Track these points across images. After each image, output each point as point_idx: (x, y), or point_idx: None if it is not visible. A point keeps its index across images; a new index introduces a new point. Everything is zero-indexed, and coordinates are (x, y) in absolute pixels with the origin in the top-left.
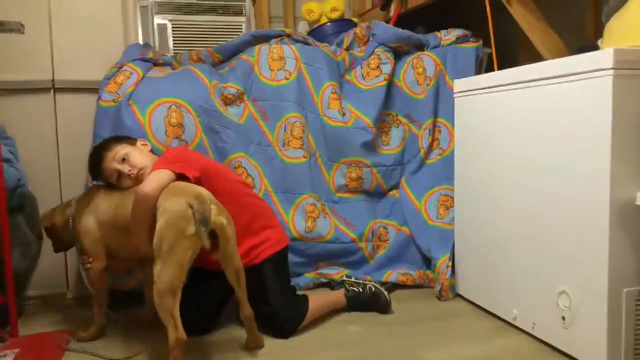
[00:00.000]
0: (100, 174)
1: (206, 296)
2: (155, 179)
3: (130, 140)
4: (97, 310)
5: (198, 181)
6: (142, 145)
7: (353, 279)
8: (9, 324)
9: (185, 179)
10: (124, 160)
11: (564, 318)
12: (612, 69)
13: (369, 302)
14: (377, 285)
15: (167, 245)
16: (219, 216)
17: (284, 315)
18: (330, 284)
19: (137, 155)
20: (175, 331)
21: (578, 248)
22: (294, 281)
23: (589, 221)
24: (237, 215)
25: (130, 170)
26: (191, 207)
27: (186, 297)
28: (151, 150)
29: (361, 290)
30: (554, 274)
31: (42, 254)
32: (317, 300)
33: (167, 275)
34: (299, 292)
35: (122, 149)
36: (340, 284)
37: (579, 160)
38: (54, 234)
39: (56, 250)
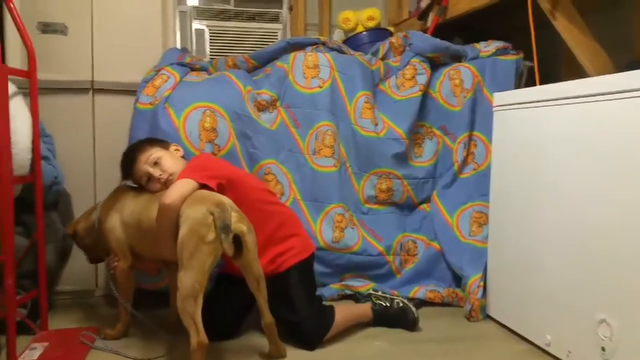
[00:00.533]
0: (131, 174)
1: (230, 302)
2: (178, 190)
3: (164, 144)
4: (122, 310)
5: (221, 190)
6: (175, 150)
7: (380, 293)
8: (40, 318)
9: (209, 188)
10: (155, 164)
11: (603, 349)
12: None
13: (396, 317)
14: (405, 301)
15: (188, 251)
16: (239, 223)
17: (309, 325)
18: (355, 297)
19: (169, 160)
20: (197, 335)
21: (621, 275)
22: (318, 291)
23: (634, 247)
24: (262, 223)
25: (160, 175)
26: (212, 214)
27: (210, 302)
28: (182, 156)
29: (389, 305)
30: (593, 300)
31: (74, 251)
32: (343, 312)
33: (189, 281)
34: (325, 304)
35: (155, 152)
36: (367, 297)
37: (625, 184)
38: (77, 240)
39: (91, 261)
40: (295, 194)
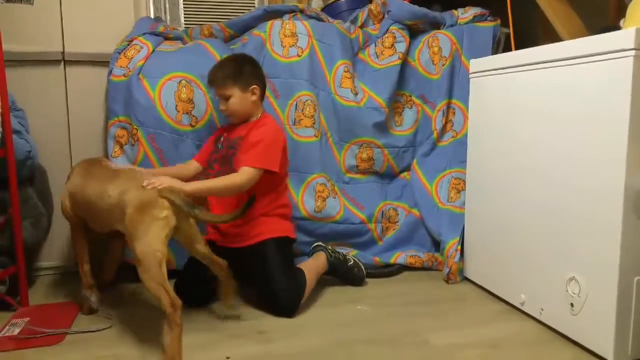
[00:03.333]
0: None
1: (199, 271)
2: (252, 178)
3: (246, 83)
4: (81, 271)
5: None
6: (252, 94)
7: (331, 248)
8: (19, 294)
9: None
10: (226, 100)
11: (572, 305)
12: (633, 49)
13: (348, 271)
14: (356, 260)
15: (143, 227)
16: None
17: (285, 294)
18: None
19: (237, 103)
20: (169, 297)
21: (590, 234)
22: (302, 260)
23: (602, 207)
24: (270, 192)
25: (223, 110)
26: (162, 195)
27: (181, 273)
28: (258, 99)
29: (342, 259)
30: (564, 260)
31: (55, 226)
32: (310, 271)
33: (150, 250)
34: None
35: (230, 91)
36: (319, 248)
37: (595, 145)
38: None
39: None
40: None
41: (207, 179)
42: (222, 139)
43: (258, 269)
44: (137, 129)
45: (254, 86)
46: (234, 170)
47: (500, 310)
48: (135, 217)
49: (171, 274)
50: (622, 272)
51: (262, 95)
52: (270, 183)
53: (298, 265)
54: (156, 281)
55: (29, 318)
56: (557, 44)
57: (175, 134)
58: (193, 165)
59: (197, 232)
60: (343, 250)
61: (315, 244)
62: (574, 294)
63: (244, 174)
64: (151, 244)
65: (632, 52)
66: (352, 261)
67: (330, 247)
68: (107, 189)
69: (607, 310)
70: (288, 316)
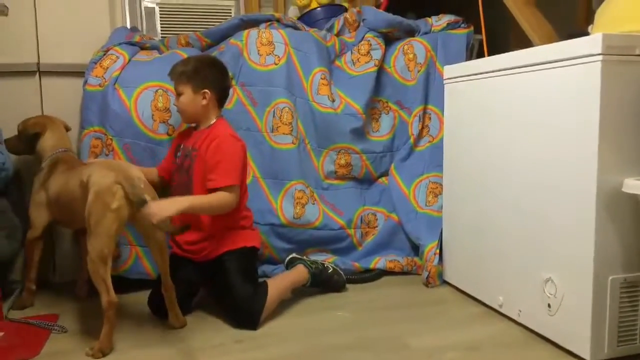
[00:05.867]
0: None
1: (176, 284)
2: (235, 196)
3: (201, 85)
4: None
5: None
6: (203, 99)
7: (307, 258)
8: None
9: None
10: (179, 95)
11: (549, 305)
12: (600, 54)
13: (329, 278)
14: (334, 266)
15: (95, 218)
16: (145, 193)
17: (244, 307)
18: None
19: (188, 103)
20: (107, 294)
21: (564, 235)
22: (281, 268)
23: (575, 208)
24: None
25: (176, 104)
26: (120, 185)
27: (155, 282)
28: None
29: (322, 267)
30: (540, 261)
31: None
32: (278, 284)
33: (98, 246)
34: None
35: (183, 89)
36: (293, 261)
37: (567, 147)
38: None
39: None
40: (254, 172)
41: (174, 190)
42: (180, 147)
43: (219, 282)
44: (111, 139)
45: (206, 90)
46: (191, 181)
47: (479, 312)
48: (92, 205)
49: (146, 283)
50: (596, 272)
51: (219, 103)
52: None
53: (272, 278)
54: (99, 276)
55: (3, 332)
56: (528, 49)
57: (152, 143)
58: (154, 173)
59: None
60: (322, 256)
61: (291, 256)
62: (550, 294)
63: (226, 195)
64: (100, 239)
65: (600, 57)
66: (331, 268)
67: (306, 258)
68: (82, 174)
69: (582, 309)
70: (251, 328)
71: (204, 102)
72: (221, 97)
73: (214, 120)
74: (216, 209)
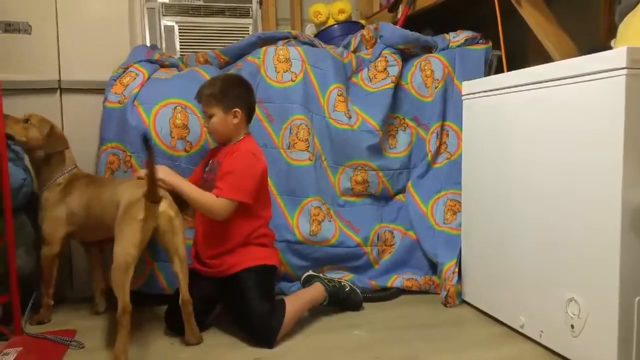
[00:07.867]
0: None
1: (194, 299)
2: (224, 209)
3: (230, 104)
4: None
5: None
6: (234, 117)
7: (324, 276)
8: (13, 322)
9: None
10: (210, 117)
11: (572, 326)
12: (625, 68)
13: (347, 297)
14: (350, 284)
15: (121, 227)
16: (169, 209)
17: (260, 325)
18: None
19: (219, 124)
20: (123, 301)
21: (588, 253)
22: (297, 285)
23: (599, 226)
24: (248, 222)
25: (206, 127)
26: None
27: (172, 297)
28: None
29: (339, 286)
30: (562, 281)
31: None
32: (296, 302)
33: (122, 253)
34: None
35: (213, 111)
36: (314, 278)
37: (591, 163)
38: None
39: None
40: (271, 189)
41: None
42: (210, 162)
43: (235, 299)
44: (130, 155)
45: (237, 109)
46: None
47: (499, 333)
48: (121, 216)
49: (163, 299)
50: (622, 292)
51: (248, 119)
52: (247, 213)
53: (290, 296)
54: (120, 282)
55: (22, 348)
56: (549, 64)
57: (169, 159)
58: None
59: (179, 242)
60: (338, 274)
61: (307, 274)
62: (573, 315)
63: (220, 204)
64: (125, 247)
65: (625, 71)
66: (348, 287)
67: (323, 275)
68: (115, 188)
69: (608, 331)
70: (268, 346)
71: (236, 120)
72: (250, 113)
73: (242, 137)
74: (202, 208)
